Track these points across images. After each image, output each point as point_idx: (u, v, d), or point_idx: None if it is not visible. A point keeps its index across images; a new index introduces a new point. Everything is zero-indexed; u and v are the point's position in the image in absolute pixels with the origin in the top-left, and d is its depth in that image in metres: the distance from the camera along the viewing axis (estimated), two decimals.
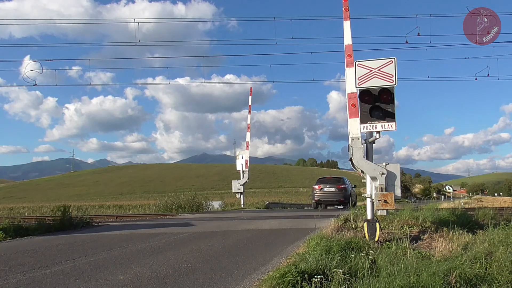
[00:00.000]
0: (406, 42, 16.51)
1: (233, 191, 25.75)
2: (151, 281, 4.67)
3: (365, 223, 6.68)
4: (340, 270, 4.06)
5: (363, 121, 6.58)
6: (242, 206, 24.21)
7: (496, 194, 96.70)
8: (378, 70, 6.50)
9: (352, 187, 20.90)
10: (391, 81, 6.46)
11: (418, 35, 16.12)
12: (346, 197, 19.13)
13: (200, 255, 6.30)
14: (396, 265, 4.28)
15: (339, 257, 4.58)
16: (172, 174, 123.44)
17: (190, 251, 6.63)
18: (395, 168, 6.44)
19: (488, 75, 18.97)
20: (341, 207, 18.44)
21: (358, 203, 19.43)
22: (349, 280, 3.96)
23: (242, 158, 24.95)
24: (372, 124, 6.59)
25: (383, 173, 6.33)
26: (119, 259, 5.98)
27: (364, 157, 6.65)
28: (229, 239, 8.02)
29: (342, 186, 19.33)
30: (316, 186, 19.60)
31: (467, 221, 7.89)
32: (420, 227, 7.62)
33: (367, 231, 6.57)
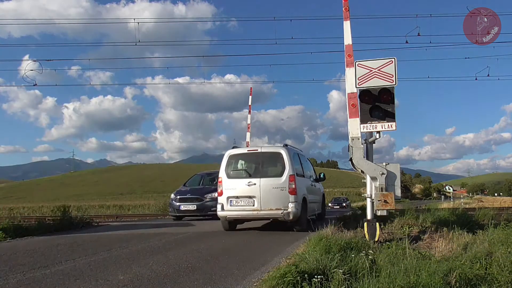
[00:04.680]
0: (406, 42, 16.52)
1: None
2: (151, 281, 4.66)
3: (365, 223, 6.68)
4: (340, 270, 4.05)
5: (363, 121, 6.58)
6: None
7: (496, 194, 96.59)
8: (378, 70, 6.50)
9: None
10: (391, 81, 6.45)
11: (418, 35, 16.12)
12: None
13: (200, 255, 6.29)
14: (396, 265, 4.27)
15: (339, 257, 4.58)
16: (172, 174, 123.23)
17: (190, 251, 6.63)
18: (395, 168, 6.44)
19: (488, 75, 19.00)
20: None
21: None
22: (349, 280, 3.96)
23: None
24: (372, 124, 6.59)
25: (383, 173, 6.32)
26: (119, 259, 5.98)
27: (364, 157, 6.65)
28: (229, 239, 8.01)
29: None
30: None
31: (467, 221, 7.90)
32: (420, 227, 7.63)
33: (367, 231, 6.57)
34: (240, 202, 8.68)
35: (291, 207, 8.30)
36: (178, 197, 13.08)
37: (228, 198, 8.82)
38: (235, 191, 8.75)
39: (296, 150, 10.16)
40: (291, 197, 8.37)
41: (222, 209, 8.86)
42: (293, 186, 8.43)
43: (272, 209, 8.44)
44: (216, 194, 9.43)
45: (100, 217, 16.99)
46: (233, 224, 9.39)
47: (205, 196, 12.86)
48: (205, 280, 4.63)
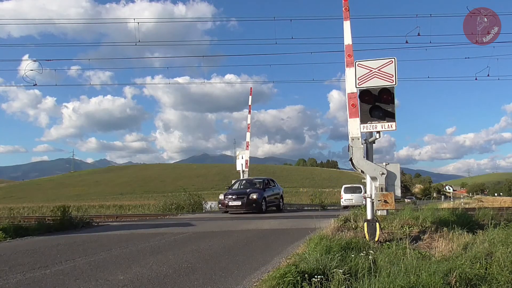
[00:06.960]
0: (406, 42, 16.52)
1: None
2: (151, 281, 4.67)
3: (365, 223, 6.68)
4: (340, 270, 4.05)
5: (363, 121, 6.58)
6: None
7: (496, 194, 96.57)
8: (378, 70, 6.50)
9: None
10: (391, 81, 6.45)
11: (418, 35, 16.12)
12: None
13: (200, 255, 6.29)
14: (396, 265, 4.27)
15: (339, 257, 4.58)
16: (172, 174, 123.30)
17: (190, 251, 6.63)
18: (395, 168, 6.45)
19: (488, 75, 19.00)
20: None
21: None
22: (349, 280, 3.96)
23: (242, 158, 24.92)
24: (372, 124, 6.59)
25: (383, 173, 6.33)
26: (119, 259, 5.98)
27: (364, 157, 6.65)
28: (229, 239, 8.02)
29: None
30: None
31: (467, 221, 7.88)
32: (420, 227, 7.62)
33: (367, 231, 6.56)
34: (348, 200, 24.34)
35: (364, 203, 19.45)
36: None
37: (345, 199, 24.86)
38: (347, 197, 24.98)
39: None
40: (364, 199, 19.57)
41: (342, 202, 25.08)
42: (364, 196, 20.34)
43: (358, 203, 19.49)
44: None
45: (100, 217, 16.99)
46: (345, 207, 22.28)
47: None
48: (205, 280, 4.64)
